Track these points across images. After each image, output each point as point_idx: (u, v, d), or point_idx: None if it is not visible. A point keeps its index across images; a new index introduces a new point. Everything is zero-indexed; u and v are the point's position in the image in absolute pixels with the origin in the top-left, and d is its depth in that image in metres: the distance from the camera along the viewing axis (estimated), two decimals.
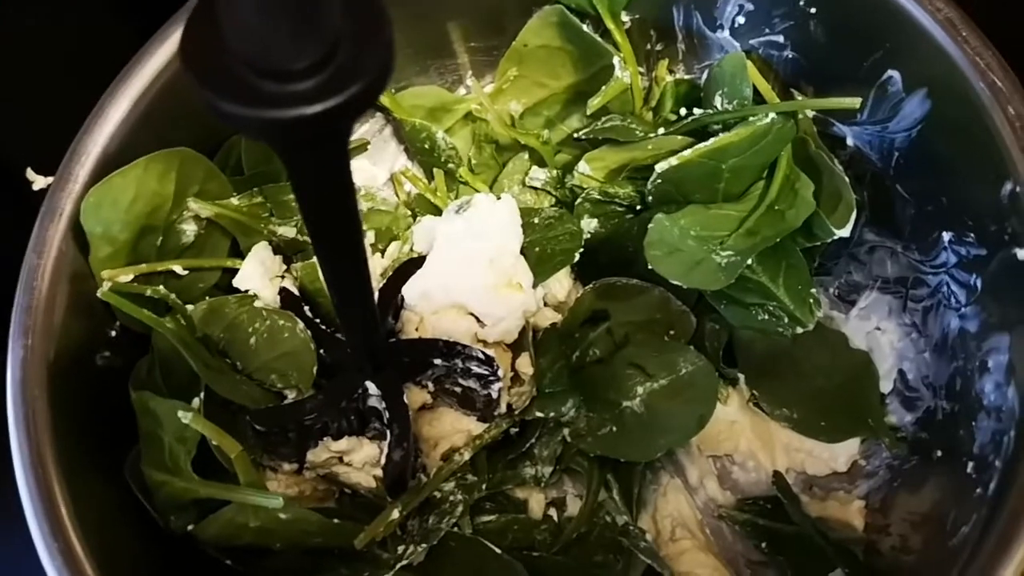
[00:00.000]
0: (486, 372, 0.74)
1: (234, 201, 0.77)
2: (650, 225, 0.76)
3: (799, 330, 0.76)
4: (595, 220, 0.85)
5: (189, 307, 0.74)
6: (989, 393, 0.68)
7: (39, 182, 0.99)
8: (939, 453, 0.75)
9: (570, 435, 0.79)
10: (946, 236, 0.74)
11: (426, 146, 0.89)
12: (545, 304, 0.84)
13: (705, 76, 0.86)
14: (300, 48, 0.37)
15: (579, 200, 0.85)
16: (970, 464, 0.68)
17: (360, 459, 0.75)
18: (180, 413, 0.66)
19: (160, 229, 0.74)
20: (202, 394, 0.69)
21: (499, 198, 0.82)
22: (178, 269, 0.74)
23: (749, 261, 0.75)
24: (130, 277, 0.71)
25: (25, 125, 1.02)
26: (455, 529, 0.76)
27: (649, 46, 0.90)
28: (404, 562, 0.73)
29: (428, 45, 0.91)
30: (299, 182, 0.47)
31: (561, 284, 0.85)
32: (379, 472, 0.75)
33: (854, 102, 0.75)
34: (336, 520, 0.70)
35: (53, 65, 1.04)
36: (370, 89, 0.39)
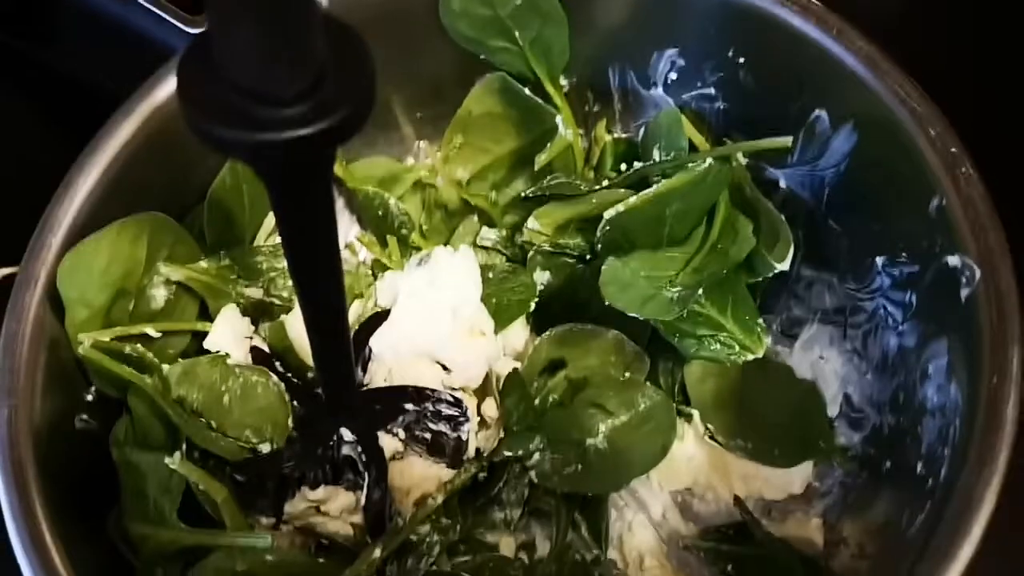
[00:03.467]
0: (456, 414, 0.77)
1: (203, 264, 0.80)
2: (603, 267, 0.79)
3: (750, 357, 0.80)
4: (547, 272, 0.89)
5: (165, 367, 0.76)
6: (931, 397, 0.73)
7: None
8: (888, 465, 0.78)
9: (536, 476, 0.81)
10: (879, 261, 0.79)
11: (380, 213, 0.92)
12: (504, 355, 0.87)
13: (642, 132, 0.91)
14: (292, 74, 0.40)
15: (531, 254, 0.89)
16: (919, 464, 0.72)
17: (337, 507, 0.76)
18: (167, 459, 0.68)
19: (132, 294, 0.76)
20: (183, 446, 0.71)
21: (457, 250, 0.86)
22: (152, 332, 0.76)
23: (699, 297, 0.79)
24: (107, 340, 0.73)
25: None
26: (433, 568, 0.77)
27: (587, 108, 0.95)
28: None
29: (374, 118, 0.93)
30: (284, 209, 0.50)
31: (518, 335, 0.89)
32: (356, 519, 0.77)
33: (785, 141, 0.80)
34: (321, 559, 0.72)
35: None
36: (356, 114, 0.43)
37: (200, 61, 0.41)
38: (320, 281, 0.56)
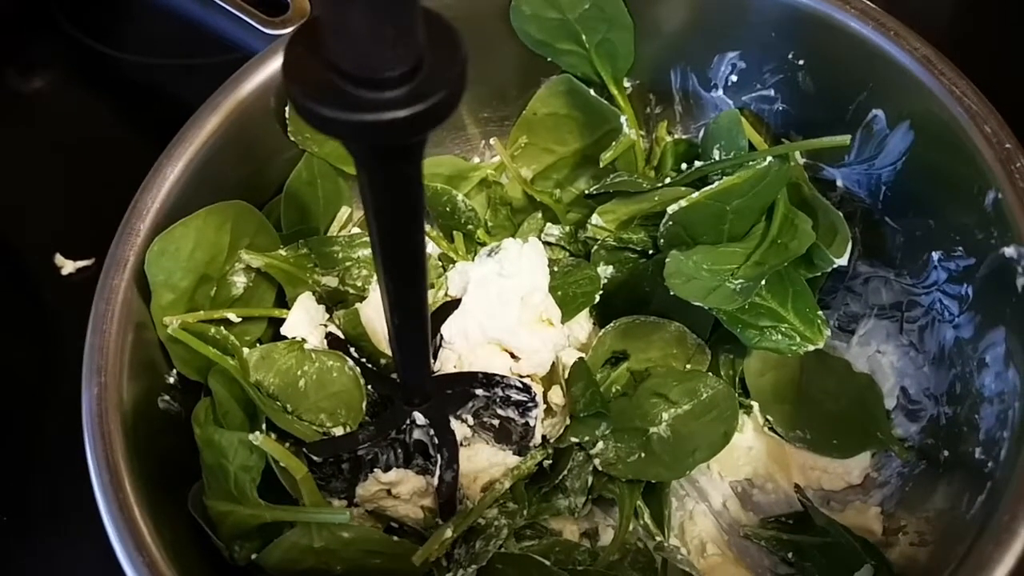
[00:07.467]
0: (525, 399, 0.79)
1: (282, 252, 0.83)
2: (667, 260, 0.81)
3: (811, 347, 0.81)
4: (611, 266, 0.91)
5: (245, 350, 0.79)
6: (989, 385, 0.74)
7: (68, 266, 1.06)
8: (946, 454, 0.80)
9: (600, 464, 0.83)
10: (935, 256, 0.81)
11: (447, 209, 0.95)
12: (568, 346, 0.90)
13: (702, 133, 0.94)
14: (396, 56, 0.43)
15: (595, 248, 0.92)
16: (977, 450, 0.74)
17: (408, 490, 0.79)
18: (251, 436, 0.71)
19: (215, 280, 0.79)
20: (264, 426, 0.74)
21: (526, 241, 0.88)
22: (232, 316, 0.79)
23: (760, 290, 0.81)
24: (192, 322, 0.76)
25: (51, 216, 1.09)
26: (502, 550, 0.79)
27: (648, 109, 0.98)
28: None
29: None
30: (375, 193, 0.51)
31: (582, 327, 0.91)
32: (426, 503, 0.79)
33: (844, 139, 0.82)
34: (396, 538, 0.74)
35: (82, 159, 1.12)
36: (450, 98, 0.44)
37: (306, 44, 0.44)
38: (405, 267, 0.57)
